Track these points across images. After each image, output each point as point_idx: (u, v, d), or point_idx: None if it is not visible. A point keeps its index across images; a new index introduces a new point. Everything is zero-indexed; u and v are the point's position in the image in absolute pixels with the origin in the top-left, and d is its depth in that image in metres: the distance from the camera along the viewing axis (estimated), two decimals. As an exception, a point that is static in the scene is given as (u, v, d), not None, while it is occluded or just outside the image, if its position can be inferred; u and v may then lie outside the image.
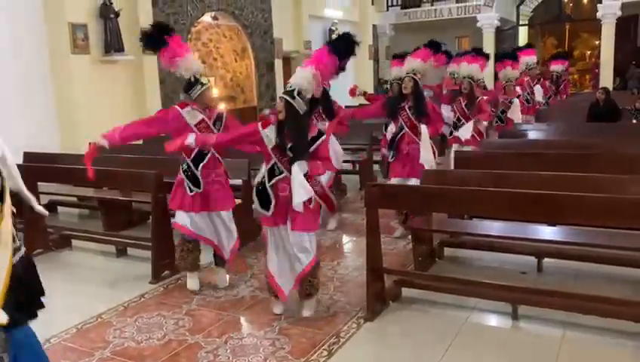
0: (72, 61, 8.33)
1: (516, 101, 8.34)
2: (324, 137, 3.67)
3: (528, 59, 10.73)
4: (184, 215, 4.19)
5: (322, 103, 5.58)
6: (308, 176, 3.54)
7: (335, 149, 5.73)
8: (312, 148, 3.58)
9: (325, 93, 5.61)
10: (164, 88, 9.94)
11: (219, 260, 4.41)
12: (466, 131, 6.49)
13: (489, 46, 16.18)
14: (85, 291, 4.49)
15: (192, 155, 4.13)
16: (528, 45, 12.73)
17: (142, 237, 5.07)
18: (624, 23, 15.49)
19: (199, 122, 4.12)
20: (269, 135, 3.62)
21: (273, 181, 3.62)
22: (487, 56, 7.73)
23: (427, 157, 5.17)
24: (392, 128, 5.44)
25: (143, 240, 4.94)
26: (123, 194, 5.95)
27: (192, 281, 4.32)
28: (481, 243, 4.63)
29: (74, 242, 5.62)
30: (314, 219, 3.70)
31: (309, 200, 3.57)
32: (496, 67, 9.03)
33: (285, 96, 3.53)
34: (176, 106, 4.22)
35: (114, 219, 5.96)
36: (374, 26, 17.57)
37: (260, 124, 3.72)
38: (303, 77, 3.58)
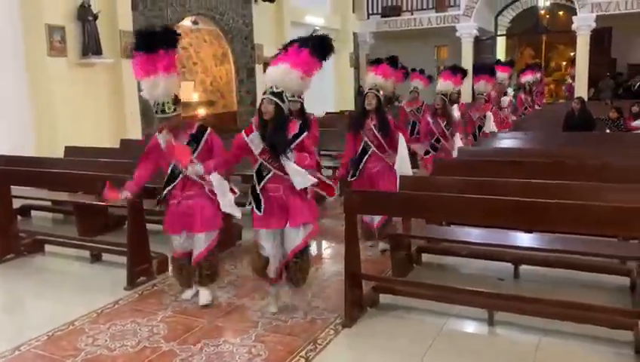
0: (48, 63, 8.17)
1: (489, 114, 8.49)
2: (306, 133, 3.73)
3: (500, 74, 10.90)
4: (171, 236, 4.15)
5: (297, 116, 5.52)
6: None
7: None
8: (295, 143, 3.63)
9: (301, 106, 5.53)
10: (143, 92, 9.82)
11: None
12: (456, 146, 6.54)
13: (468, 55, 16.42)
14: (58, 297, 4.39)
15: (166, 177, 4.03)
16: (509, 62, 12.98)
17: (117, 242, 4.99)
18: (598, 34, 15.80)
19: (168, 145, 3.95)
20: (254, 140, 3.66)
21: (263, 183, 3.70)
22: (464, 72, 7.79)
23: (404, 167, 5.05)
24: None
25: (119, 245, 4.86)
26: (99, 198, 5.84)
27: (187, 293, 4.24)
28: (459, 250, 4.65)
29: (47, 247, 5.50)
30: (311, 211, 3.79)
31: (305, 192, 3.71)
32: (473, 80, 9.19)
33: (276, 100, 3.56)
34: (156, 133, 4.06)
35: (89, 224, 5.85)
36: (355, 34, 17.66)
37: (243, 132, 3.72)
38: (292, 79, 3.58)
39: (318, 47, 3.63)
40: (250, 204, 3.81)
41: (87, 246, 5.24)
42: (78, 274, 4.96)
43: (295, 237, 3.73)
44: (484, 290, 3.71)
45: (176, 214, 4.03)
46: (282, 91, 3.59)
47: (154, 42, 3.71)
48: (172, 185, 4.00)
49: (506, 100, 11.19)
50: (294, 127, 3.69)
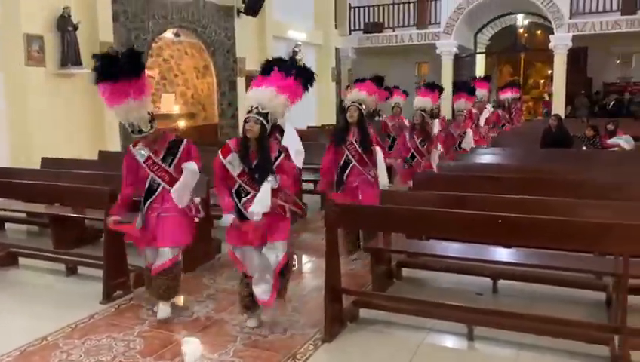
0: (25, 73, 8.07)
1: (469, 131, 8.61)
2: (284, 154, 3.75)
3: (479, 91, 11.10)
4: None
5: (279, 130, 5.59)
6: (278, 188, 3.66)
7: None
8: (275, 165, 3.65)
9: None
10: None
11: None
12: (434, 160, 6.59)
13: (447, 72, 16.65)
14: (31, 311, 4.29)
15: (145, 191, 4.01)
16: (486, 77, 13.21)
17: (94, 255, 4.91)
18: (575, 54, 16.17)
19: (146, 160, 3.94)
20: (233, 162, 3.65)
21: (241, 202, 3.68)
22: (440, 90, 7.87)
23: (383, 181, 5.20)
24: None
25: (95, 258, 4.78)
26: (75, 210, 5.76)
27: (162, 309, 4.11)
28: (439, 265, 4.67)
29: (21, 260, 5.38)
30: (287, 228, 3.78)
31: (284, 210, 3.73)
32: (453, 98, 9.33)
33: (262, 120, 3.57)
34: (131, 146, 4.04)
35: (65, 236, 5.74)
36: (337, 49, 17.79)
37: (219, 155, 3.70)
38: (278, 104, 3.61)
39: (302, 76, 3.72)
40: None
41: (63, 259, 5.13)
42: (53, 288, 4.85)
43: (274, 255, 3.69)
44: (463, 305, 3.73)
45: (150, 229, 3.99)
46: (268, 113, 3.59)
47: (118, 71, 3.60)
48: (152, 197, 3.98)
49: (486, 113, 11.34)
50: (274, 148, 3.72)
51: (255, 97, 3.64)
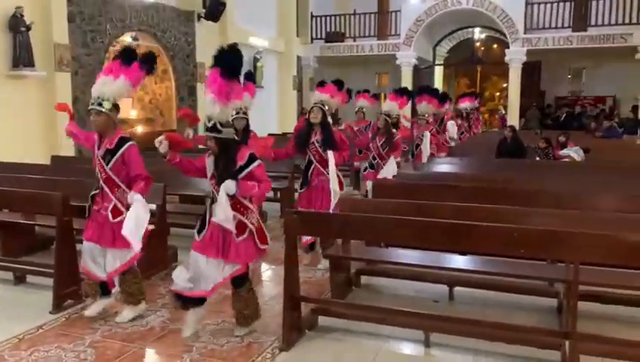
0: (-26, 74, 7.78)
1: (427, 133, 8.69)
2: (257, 162, 3.61)
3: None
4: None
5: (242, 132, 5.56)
6: (240, 201, 3.59)
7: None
8: (243, 174, 3.54)
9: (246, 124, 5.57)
10: (78, 108, 9.47)
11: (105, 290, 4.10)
12: (388, 172, 6.56)
13: (407, 83, 16.86)
14: (-25, 322, 4.09)
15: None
16: (472, 93, 13.55)
17: (44, 263, 4.73)
18: (529, 67, 16.72)
19: (93, 149, 3.93)
20: (209, 164, 3.66)
21: (211, 207, 3.65)
22: (409, 95, 7.94)
23: (334, 187, 5.10)
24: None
25: (45, 266, 4.60)
26: (25, 216, 5.54)
27: (92, 308, 4.07)
28: (397, 272, 4.71)
29: (-35, 268, 5.13)
30: (248, 252, 3.66)
31: (243, 230, 3.59)
32: (415, 101, 9.43)
33: (212, 134, 3.51)
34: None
35: (13, 244, 5.51)
36: (299, 57, 17.85)
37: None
38: (221, 110, 3.51)
39: (228, 63, 3.50)
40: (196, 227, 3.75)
41: (11, 267, 4.92)
42: (0, 297, 4.66)
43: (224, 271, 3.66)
44: (420, 311, 3.76)
45: (93, 223, 3.93)
46: (215, 123, 3.50)
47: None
48: (95, 191, 3.95)
49: (454, 127, 11.55)
50: (242, 155, 3.59)
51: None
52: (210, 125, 3.51)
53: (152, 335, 3.85)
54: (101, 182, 3.89)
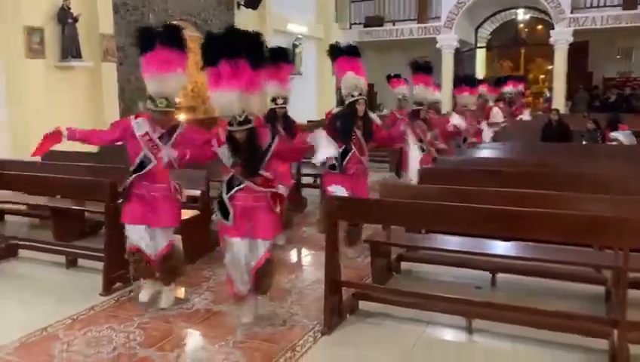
0: (25, 65, 8.04)
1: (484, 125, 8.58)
2: (277, 138, 3.76)
3: (481, 88, 10.97)
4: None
5: (282, 121, 5.70)
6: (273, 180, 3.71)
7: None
8: (270, 154, 3.68)
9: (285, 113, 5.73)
10: (124, 97, 9.73)
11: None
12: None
13: (448, 67, 16.60)
14: (31, 303, 4.29)
15: (134, 165, 4.04)
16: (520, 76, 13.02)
17: (94, 247, 4.92)
18: (575, 48, 16.11)
19: (143, 134, 4.00)
20: (225, 153, 3.68)
21: (232, 192, 3.69)
22: (429, 70, 7.47)
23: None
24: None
25: (95, 250, 4.79)
26: (76, 202, 5.76)
27: (144, 292, 4.20)
28: (438, 258, 4.68)
29: (21, 252, 5.38)
30: (275, 226, 3.79)
31: (275, 203, 3.71)
32: (454, 92, 9.22)
33: (243, 128, 3.54)
34: (132, 116, 4.15)
35: (65, 229, 5.75)
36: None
37: (214, 141, 3.73)
38: (252, 103, 3.55)
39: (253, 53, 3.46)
40: (216, 214, 3.83)
41: (63, 251, 5.13)
42: (53, 280, 4.86)
43: (259, 249, 3.72)
44: (461, 297, 3.74)
45: (138, 205, 4.05)
46: (247, 115, 3.53)
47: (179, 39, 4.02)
48: (139, 173, 4.03)
49: (499, 114, 11.24)
50: (265, 136, 3.70)
51: (222, 103, 3.58)
52: (241, 119, 3.52)
53: (198, 318, 3.96)
54: (152, 164, 3.98)
